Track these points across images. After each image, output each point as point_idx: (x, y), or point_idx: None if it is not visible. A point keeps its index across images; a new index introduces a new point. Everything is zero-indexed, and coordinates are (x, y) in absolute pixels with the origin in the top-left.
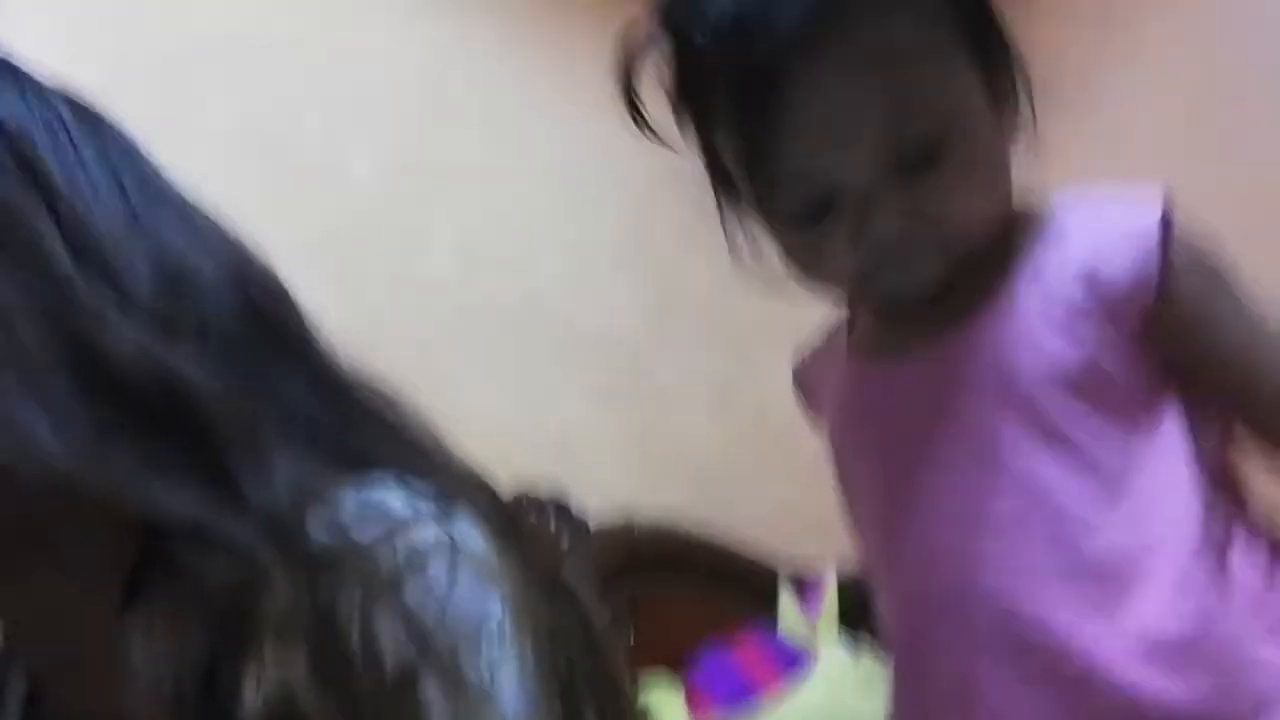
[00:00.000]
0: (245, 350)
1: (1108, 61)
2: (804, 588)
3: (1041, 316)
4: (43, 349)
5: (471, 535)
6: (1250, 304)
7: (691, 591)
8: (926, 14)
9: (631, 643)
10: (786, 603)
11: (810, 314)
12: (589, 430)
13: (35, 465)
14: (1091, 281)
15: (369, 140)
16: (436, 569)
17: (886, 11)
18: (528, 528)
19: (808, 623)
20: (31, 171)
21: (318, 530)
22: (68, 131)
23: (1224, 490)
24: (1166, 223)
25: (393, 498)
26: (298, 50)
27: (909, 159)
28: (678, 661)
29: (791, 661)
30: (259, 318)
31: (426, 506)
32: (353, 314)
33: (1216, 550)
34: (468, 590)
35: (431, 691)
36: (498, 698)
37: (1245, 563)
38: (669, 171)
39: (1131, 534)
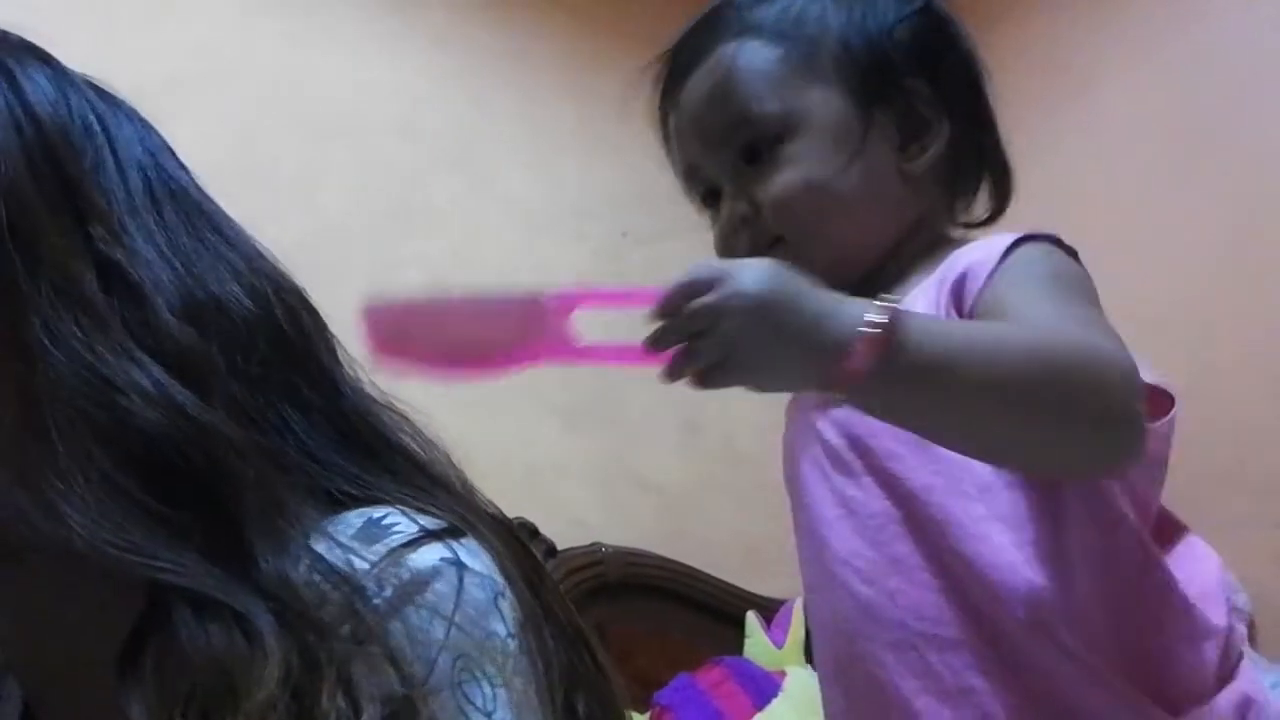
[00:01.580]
0: (269, 387)
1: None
2: (770, 614)
3: None
4: (70, 412)
5: (475, 554)
6: (1053, 307)
7: (658, 619)
8: (784, 58)
9: None
10: (754, 629)
11: None
12: (557, 458)
13: (53, 541)
14: (955, 292)
15: (340, 173)
16: (443, 586)
17: (734, 54)
18: (531, 555)
19: (775, 648)
20: (67, 181)
21: (320, 562)
22: (109, 136)
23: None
24: (1027, 237)
25: (398, 520)
26: (270, 85)
27: (748, 156)
28: (644, 690)
29: (760, 687)
30: (286, 350)
31: (431, 528)
32: None
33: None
34: (472, 609)
35: (436, 712)
36: (504, 717)
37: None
38: (637, 206)
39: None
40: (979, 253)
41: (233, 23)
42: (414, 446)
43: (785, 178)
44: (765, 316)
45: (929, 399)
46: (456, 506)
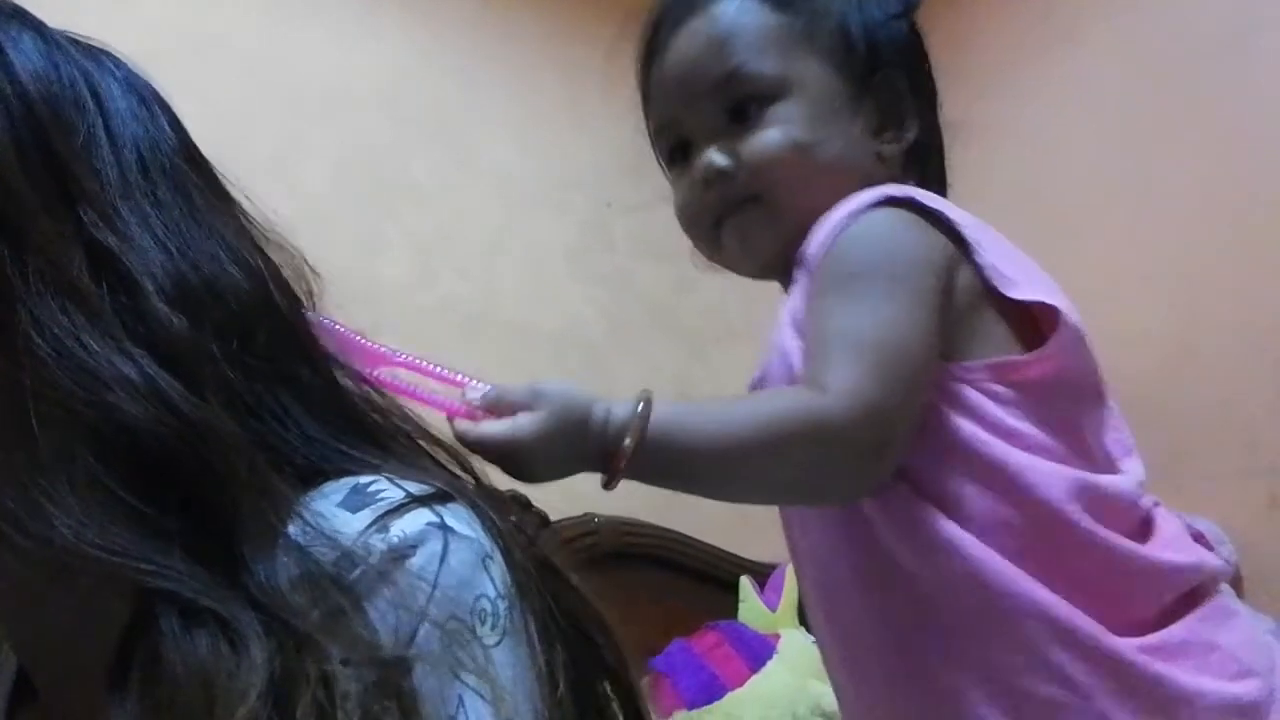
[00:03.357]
0: (266, 372)
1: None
2: (763, 579)
3: (788, 311)
4: (55, 406)
5: (462, 519)
6: (830, 322)
7: (652, 587)
8: (786, 24)
9: None
10: (747, 593)
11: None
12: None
13: (38, 541)
14: (802, 264)
15: (324, 148)
16: (430, 549)
17: (735, 11)
18: (516, 521)
19: (769, 612)
20: (57, 161)
21: (306, 539)
22: (103, 110)
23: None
24: (856, 213)
25: (384, 487)
26: (254, 59)
27: (734, 112)
28: (640, 657)
29: (755, 650)
30: (283, 332)
31: (418, 494)
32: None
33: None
34: (459, 572)
35: (424, 677)
36: (496, 677)
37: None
38: (621, 177)
39: None
40: (818, 232)
41: (212, 6)
42: (404, 424)
43: (773, 135)
44: (550, 445)
45: (683, 484)
46: (446, 475)
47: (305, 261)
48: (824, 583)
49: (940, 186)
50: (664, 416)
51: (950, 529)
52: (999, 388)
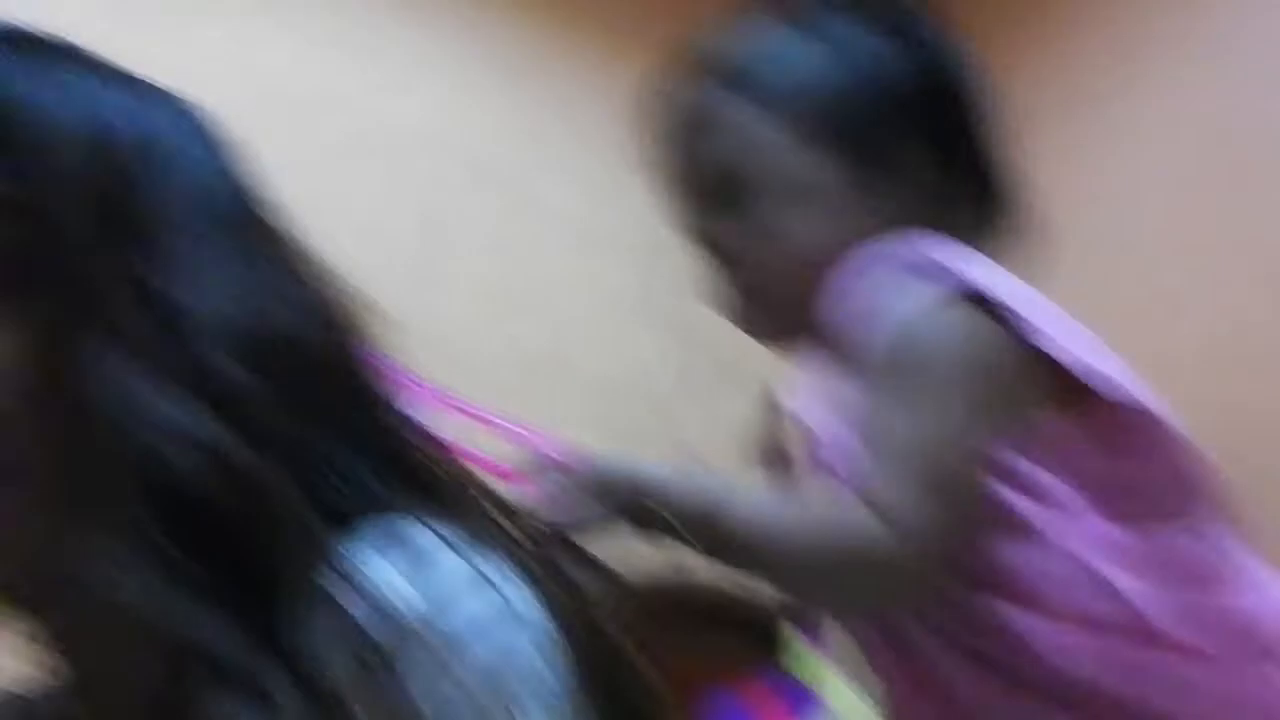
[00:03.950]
0: (323, 421)
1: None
2: (807, 628)
3: (837, 399)
4: (102, 452)
5: (501, 572)
6: (904, 417)
7: (695, 636)
8: (754, 113)
9: None
10: (792, 642)
11: None
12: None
13: (80, 590)
14: (835, 335)
15: (389, 193)
16: (466, 605)
17: (707, 101)
18: (562, 570)
19: (814, 660)
20: (119, 204)
21: (338, 584)
22: (170, 154)
23: None
24: (920, 307)
25: (420, 535)
26: (311, 104)
27: (711, 201)
28: (683, 711)
29: (801, 700)
30: (342, 381)
31: (479, 567)
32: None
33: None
34: (496, 628)
35: None
36: None
37: None
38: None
39: None
40: (859, 317)
41: (270, 53)
42: (467, 480)
43: (744, 225)
44: (594, 507)
45: (717, 559)
46: (508, 542)
47: (365, 302)
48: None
49: (991, 230)
50: (710, 494)
51: (1023, 620)
52: (1031, 449)
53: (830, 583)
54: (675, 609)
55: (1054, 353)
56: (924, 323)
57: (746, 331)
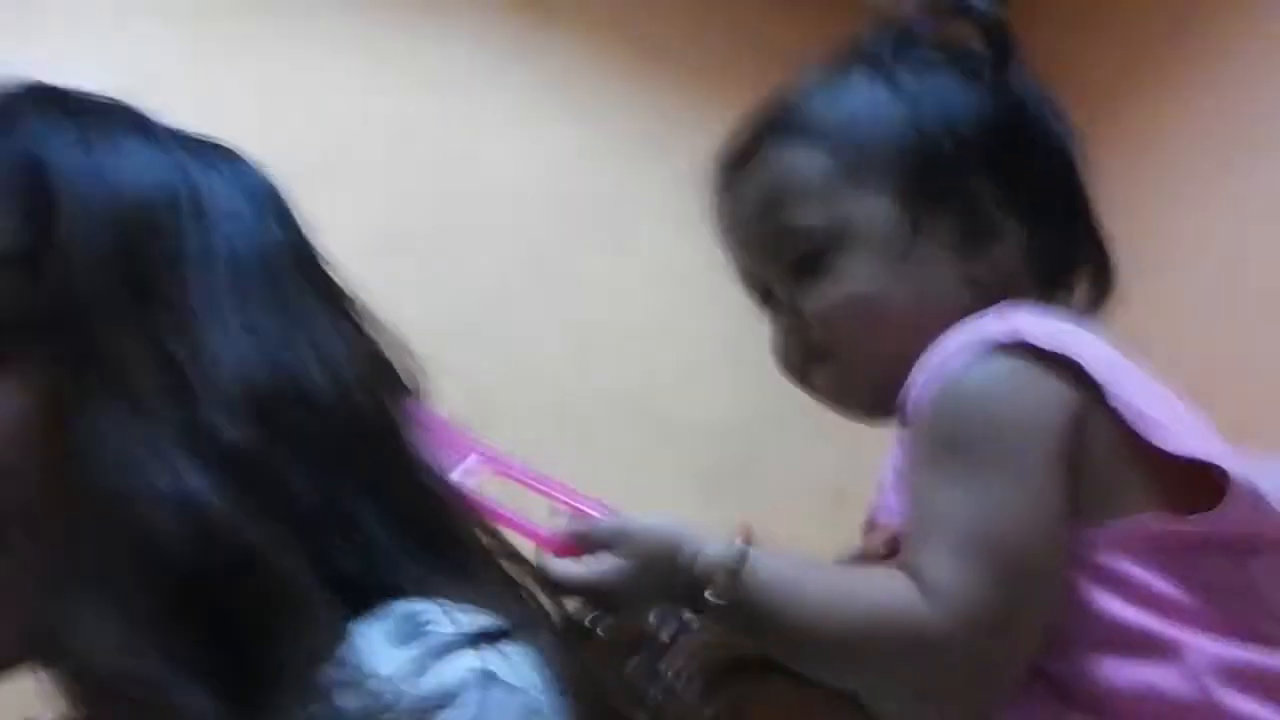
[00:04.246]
0: (343, 478)
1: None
2: None
3: (898, 472)
4: (96, 515)
5: (513, 666)
6: (924, 498)
7: (799, 698)
8: (832, 164)
9: None
10: None
11: None
12: (700, 519)
13: (69, 653)
14: (902, 419)
15: (490, 237)
16: (468, 701)
17: (780, 160)
18: (584, 658)
19: None
20: (140, 264)
21: (343, 672)
22: (201, 209)
23: None
24: (955, 366)
25: (437, 619)
26: (424, 151)
27: (796, 267)
28: None
29: None
30: (367, 438)
31: (469, 631)
32: (467, 401)
33: None
34: None
35: None
36: None
37: None
38: None
39: None
40: (919, 376)
41: (387, 101)
42: (483, 538)
43: (829, 292)
44: (633, 587)
45: (772, 650)
46: (514, 604)
47: (412, 356)
48: None
49: (1099, 270)
50: (759, 571)
51: None
52: (1140, 552)
53: (868, 667)
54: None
55: (1165, 443)
56: (955, 377)
57: (832, 404)
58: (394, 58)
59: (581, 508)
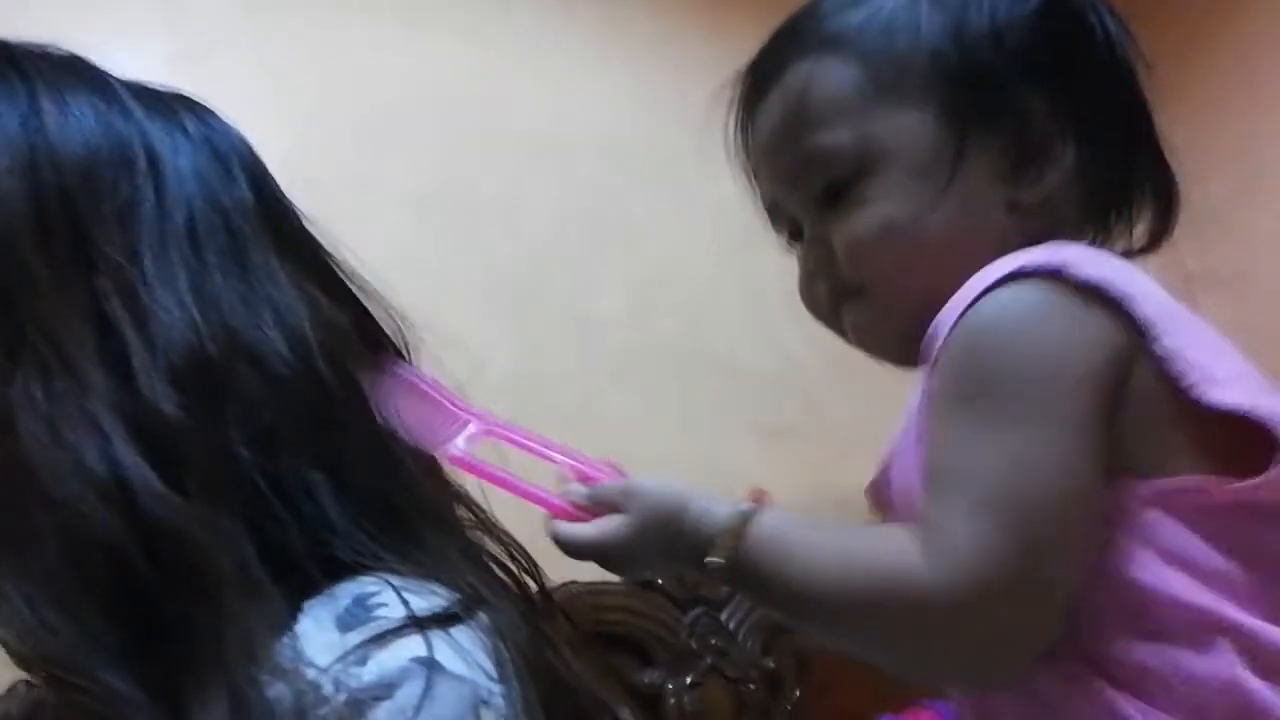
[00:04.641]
0: (296, 448)
1: None
2: None
3: (917, 412)
4: (21, 493)
5: (461, 653)
6: (942, 442)
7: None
8: (865, 77)
9: (796, 703)
10: None
11: None
12: (759, 471)
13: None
14: (927, 353)
15: (545, 189)
16: (408, 692)
17: (808, 75)
18: (555, 634)
19: None
20: (80, 229)
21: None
22: (156, 170)
23: None
24: (1008, 276)
25: (387, 600)
26: (476, 109)
27: (825, 194)
28: None
29: None
30: (326, 405)
31: (419, 614)
32: (524, 353)
33: None
34: (440, 718)
35: None
36: None
37: None
38: None
39: None
40: (947, 310)
41: (443, 57)
42: (447, 511)
43: (860, 219)
44: (640, 547)
45: (780, 613)
46: (474, 579)
47: (399, 320)
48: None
49: (1161, 197)
50: (761, 533)
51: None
52: (1183, 514)
53: (869, 634)
54: None
55: (1211, 396)
56: (980, 309)
57: (862, 345)
58: (445, 12)
59: (589, 471)
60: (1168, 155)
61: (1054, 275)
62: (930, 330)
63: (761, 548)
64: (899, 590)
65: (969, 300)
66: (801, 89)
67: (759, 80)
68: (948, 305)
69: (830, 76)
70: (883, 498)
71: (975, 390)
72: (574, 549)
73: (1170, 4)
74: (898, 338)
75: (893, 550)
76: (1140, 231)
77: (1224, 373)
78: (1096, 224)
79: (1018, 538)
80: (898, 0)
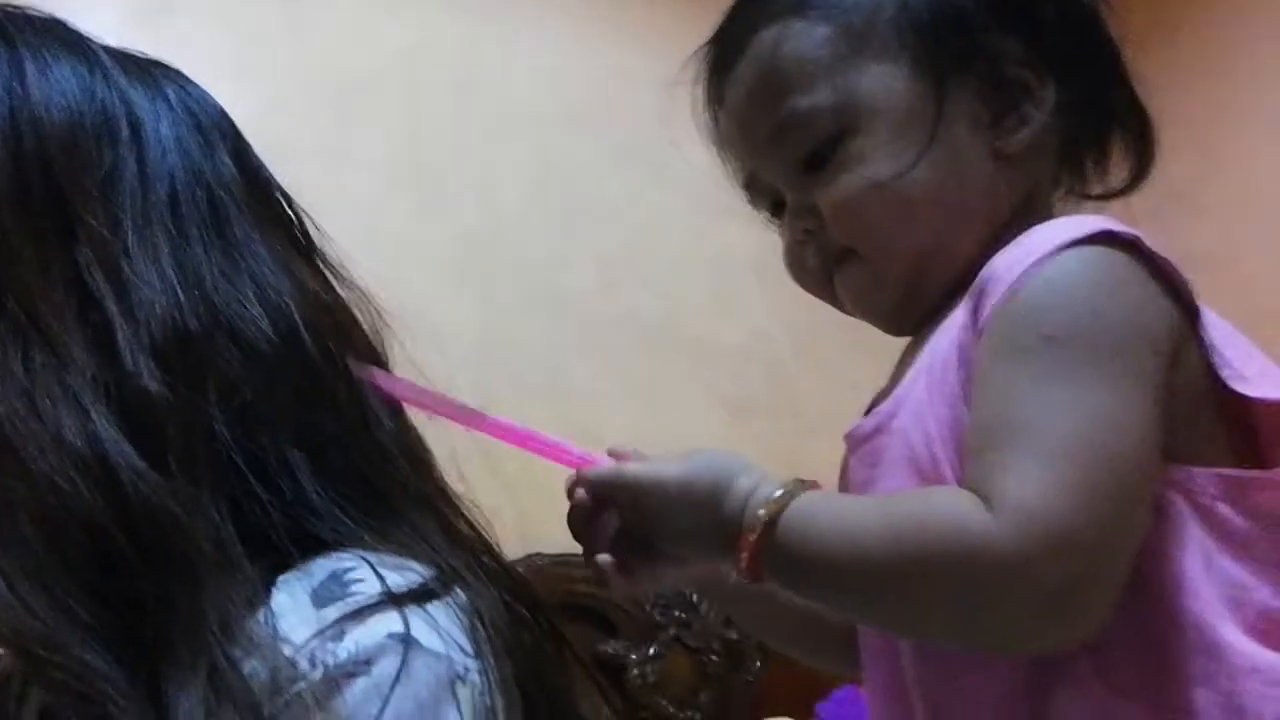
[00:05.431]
0: (276, 424)
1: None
2: None
3: (942, 365)
4: (11, 482)
5: (438, 629)
6: (1006, 402)
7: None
8: (834, 35)
9: (757, 673)
10: None
11: None
12: (727, 444)
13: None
14: (974, 309)
15: (515, 161)
16: (384, 667)
17: (776, 40)
18: (532, 613)
19: None
20: (61, 197)
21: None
22: (139, 139)
23: None
24: (1074, 241)
25: (364, 576)
26: (448, 79)
27: (807, 161)
28: (808, 699)
29: None
30: (309, 381)
31: (396, 590)
32: (493, 324)
33: None
34: (419, 695)
35: None
36: None
37: None
38: None
39: None
40: (1005, 258)
41: (415, 28)
42: (429, 489)
43: (846, 181)
44: (685, 500)
45: (819, 598)
46: (452, 558)
47: (377, 311)
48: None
49: (1138, 133)
50: (803, 509)
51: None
52: (1229, 511)
53: (922, 596)
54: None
55: (1248, 388)
56: (1055, 262)
57: (859, 311)
58: None
59: (576, 456)
60: (1140, 94)
61: (1131, 245)
62: (979, 283)
63: (807, 522)
64: (958, 547)
65: (1038, 256)
66: (770, 55)
67: (725, 52)
68: (1000, 257)
69: (800, 39)
70: (872, 446)
71: (1051, 344)
72: (615, 484)
73: None
74: (895, 297)
75: (945, 506)
76: (1117, 176)
77: (1252, 371)
78: (1071, 171)
79: (1095, 488)
80: None
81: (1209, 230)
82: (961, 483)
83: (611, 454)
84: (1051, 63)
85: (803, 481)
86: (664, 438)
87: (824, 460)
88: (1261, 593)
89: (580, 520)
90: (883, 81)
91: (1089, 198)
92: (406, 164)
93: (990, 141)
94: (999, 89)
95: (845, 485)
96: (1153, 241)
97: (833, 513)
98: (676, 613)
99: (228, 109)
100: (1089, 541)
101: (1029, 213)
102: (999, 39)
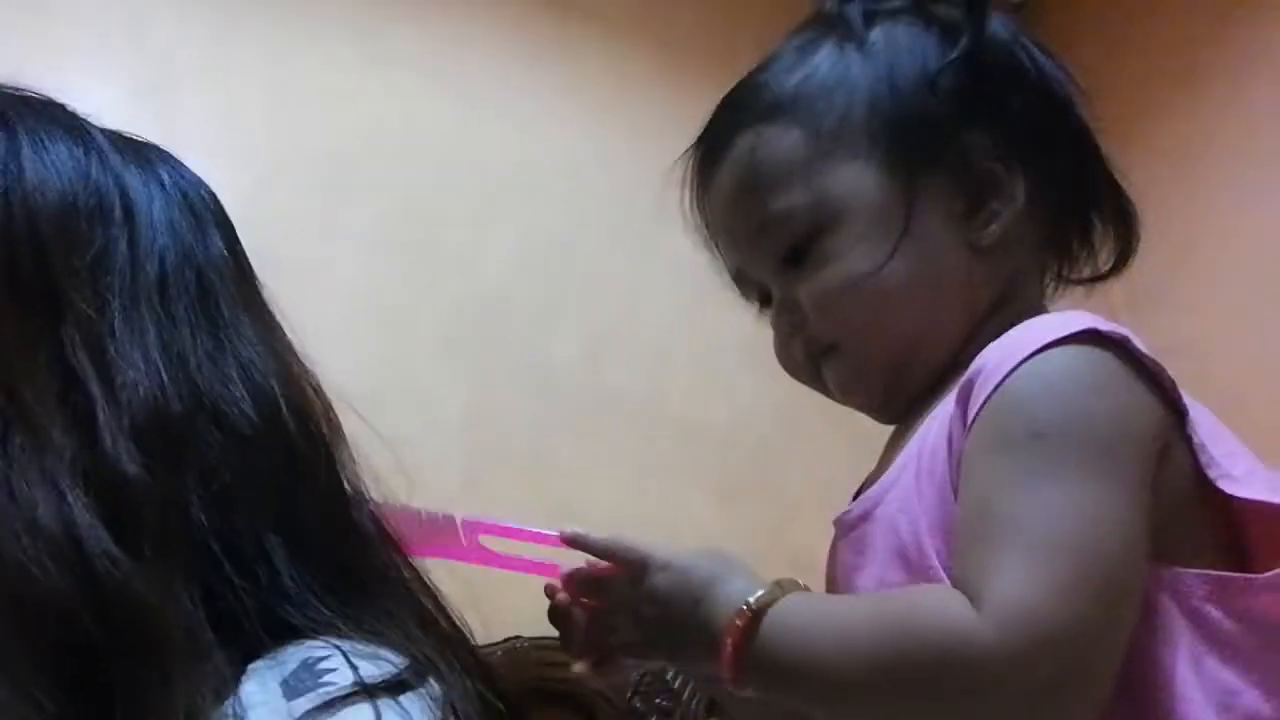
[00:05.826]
0: (256, 509)
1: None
2: None
3: (931, 453)
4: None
5: (413, 717)
6: (995, 501)
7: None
8: (807, 138)
9: None
10: None
11: None
12: (711, 528)
13: None
14: (962, 401)
15: (504, 236)
16: None
17: (753, 145)
18: (506, 705)
19: None
20: (50, 278)
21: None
22: (131, 220)
23: None
24: (1063, 339)
25: (336, 666)
26: (440, 152)
27: (784, 258)
28: None
29: None
30: (290, 465)
31: (368, 682)
32: (481, 401)
33: None
34: None
35: None
36: None
37: None
38: None
39: None
40: (995, 354)
41: (404, 103)
42: (407, 575)
43: (823, 278)
44: (667, 610)
45: (790, 696)
46: (427, 647)
47: (328, 405)
48: None
49: (1119, 218)
50: (786, 611)
51: None
52: (1218, 614)
53: (913, 703)
54: None
55: (1236, 489)
56: (1043, 359)
57: (845, 399)
58: (408, 59)
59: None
60: (1117, 177)
61: (1121, 344)
62: (970, 375)
63: (789, 626)
64: (945, 646)
65: (1028, 351)
66: (749, 159)
67: (708, 155)
68: (991, 350)
69: (775, 143)
70: (859, 533)
71: (1038, 441)
72: (598, 546)
73: (1114, 89)
74: (878, 386)
75: (933, 605)
76: (1103, 257)
77: (1240, 470)
78: (1060, 254)
79: (1081, 586)
80: (830, 60)
81: (1180, 323)
82: (950, 576)
83: (566, 538)
84: (1022, 153)
85: (780, 584)
86: (648, 517)
87: (811, 543)
88: (1250, 696)
89: (562, 614)
90: (854, 181)
91: (1076, 282)
92: (395, 238)
93: (965, 234)
94: (970, 183)
95: (833, 570)
96: (1138, 339)
97: (818, 613)
98: (658, 700)
99: (221, 187)
100: (1076, 640)
101: (1011, 301)
102: (967, 134)
